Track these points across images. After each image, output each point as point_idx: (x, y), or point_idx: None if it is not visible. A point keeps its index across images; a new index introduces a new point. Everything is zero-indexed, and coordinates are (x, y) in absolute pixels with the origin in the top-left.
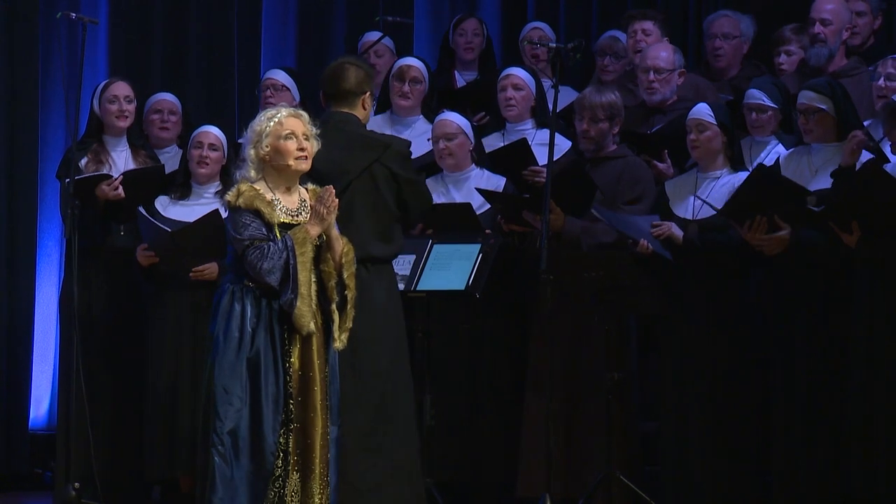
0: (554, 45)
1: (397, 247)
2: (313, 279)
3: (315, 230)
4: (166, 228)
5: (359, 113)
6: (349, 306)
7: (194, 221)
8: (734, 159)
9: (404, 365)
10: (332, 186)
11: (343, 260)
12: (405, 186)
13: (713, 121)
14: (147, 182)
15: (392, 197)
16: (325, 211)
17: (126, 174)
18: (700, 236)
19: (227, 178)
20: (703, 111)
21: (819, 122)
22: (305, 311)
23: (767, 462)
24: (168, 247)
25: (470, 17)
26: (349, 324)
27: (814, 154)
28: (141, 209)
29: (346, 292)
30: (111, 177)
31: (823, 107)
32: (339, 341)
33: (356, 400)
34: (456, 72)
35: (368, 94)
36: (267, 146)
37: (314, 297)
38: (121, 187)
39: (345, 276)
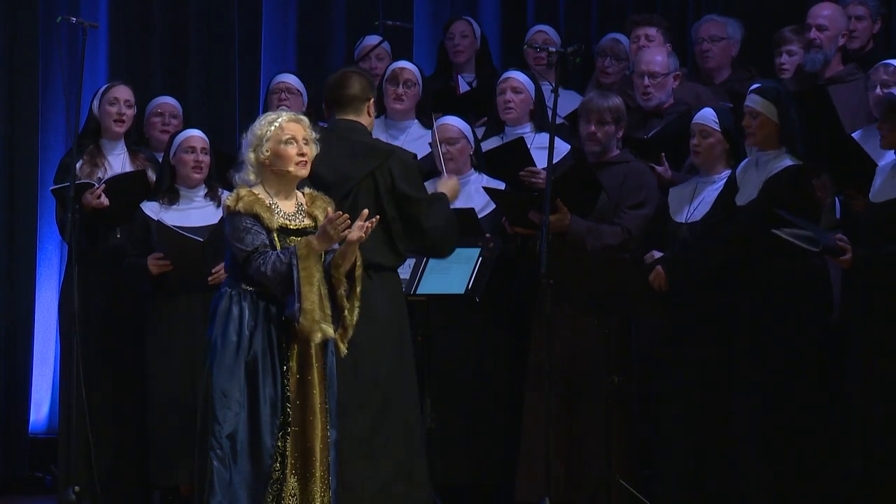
0: (554, 49)
1: (403, 255)
2: (323, 292)
3: (320, 247)
4: (198, 238)
5: (364, 120)
6: (352, 316)
7: (215, 226)
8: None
9: (406, 373)
10: (344, 214)
11: (356, 273)
12: (405, 204)
13: (717, 128)
14: (131, 187)
15: (393, 207)
16: (333, 233)
17: (108, 181)
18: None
19: (210, 179)
20: (708, 117)
21: (760, 126)
22: (309, 326)
23: (767, 466)
24: (193, 253)
25: (458, 19)
26: (350, 333)
27: (759, 166)
28: (162, 220)
29: (355, 302)
30: (93, 185)
31: (765, 112)
32: (341, 349)
33: (356, 407)
34: (459, 76)
35: (372, 100)
36: (267, 150)
37: (326, 311)
38: (104, 196)
39: (357, 289)
